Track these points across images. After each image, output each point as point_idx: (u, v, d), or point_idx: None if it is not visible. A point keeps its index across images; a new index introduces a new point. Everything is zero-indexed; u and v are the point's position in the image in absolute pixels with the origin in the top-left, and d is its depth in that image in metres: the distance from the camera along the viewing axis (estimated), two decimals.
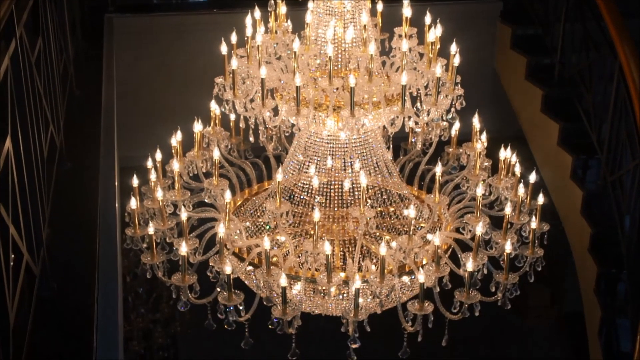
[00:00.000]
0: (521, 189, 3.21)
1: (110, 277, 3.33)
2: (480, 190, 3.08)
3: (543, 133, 6.45)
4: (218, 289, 2.96)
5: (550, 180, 6.33)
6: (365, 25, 2.95)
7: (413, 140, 3.75)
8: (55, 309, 3.09)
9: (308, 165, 3.23)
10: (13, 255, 2.70)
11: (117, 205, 4.08)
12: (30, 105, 3.23)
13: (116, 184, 4.24)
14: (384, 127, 3.23)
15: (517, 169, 3.36)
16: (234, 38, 3.14)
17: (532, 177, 3.29)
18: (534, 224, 3.13)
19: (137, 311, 7.02)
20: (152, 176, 3.29)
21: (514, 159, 3.43)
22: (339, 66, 3.10)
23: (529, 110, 6.73)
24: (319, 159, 3.22)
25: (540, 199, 3.23)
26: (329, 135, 3.18)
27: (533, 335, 8.06)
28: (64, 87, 4.66)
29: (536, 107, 6.54)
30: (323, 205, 3.22)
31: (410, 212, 2.88)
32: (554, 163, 6.25)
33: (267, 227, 3.28)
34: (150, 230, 3.07)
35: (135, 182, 3.27)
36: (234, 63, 3.00)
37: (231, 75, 3.03)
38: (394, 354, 3.09)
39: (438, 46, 3.09)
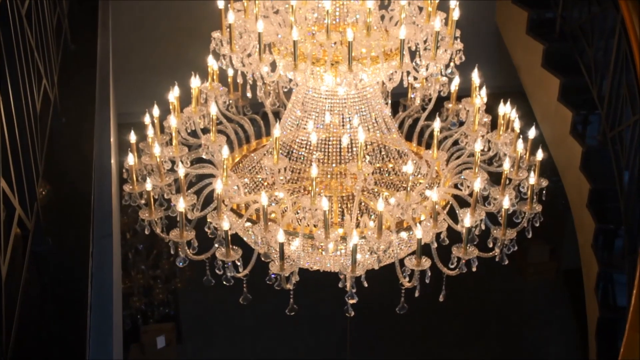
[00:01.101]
0: (520, 145, 3.21)
1: (106, 232, 3.33)
2: (479, 146, 3.07)
3: (543, 88, 6.42)
4: (216, 245, 2.98)
5: (550, 136, 6.32)
6: None
7: (412, 95, 3.73)
8: (50, 264, 3.10)
9: (306, 121, 3.21)
10: (4, 210, 2.69)
11: (113, 161, 4.07)
12: (21, 58, 3.20)
13: (112, 139, 4.22)
14: (383, 82, 3.21)
15: (517, 125, 3.35)
16: None
17: (532, 133, 3.28)
18: (532, 180, 3.13)
19: (137, 268, 7.08)
20: (150, 132, 3.28)
21: (513, 114, 3.42)
22: (337, 20, 3.06)
23: (530, 65, 6.68)
24: (317, 115, 3.20)
25: (539, 155, 3.22)
26: (327, 91, 3.16)
27: (531, 291, 8.14)
28: (58, 41, 4.61)
29: (537, 62, 6.50)
30: (321, 161, 3.22)
31: (408, 168, 2.88)
32: (553, 118, 6.23)
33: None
34: (148, 186, 3.08)
35: (132, 138, 3.26)
36: (231, 17, 2.97)
37: (228, 29, 2.99)
38: (391, 310, 3.12)
39: (437, 0, 3.05)
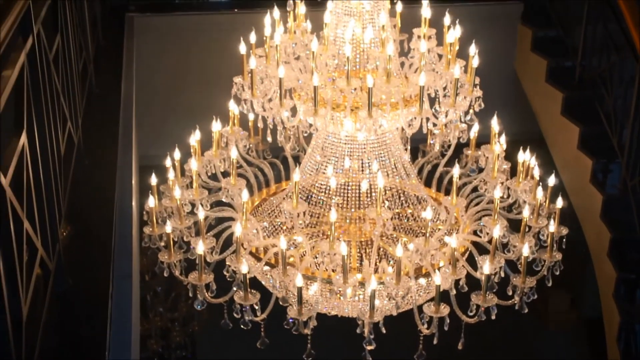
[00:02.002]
0: (540, 192, 3.19)
1: (125, 274, 3.34)
2: (498, 193, 3.06)
3: (563, 136, 6.40)
4: (234, 288, 2.97)
5: (570, 184, 6.28)
6: (383, 26, 2.94)
7: (431, 142, 3.73)
8: (70, 304, 3.11)
9: (326, 166, 3.22)
10: (27, 251, 2.71)
11: (134, 203, 4.10)
12: (47, 101, 3.25)
13: (134, 182, 4.26)
14: (402, 128, 3.22)
15: (536, 172, 3.34)
16: (253, 38, 3.14)
17: (551, 180, 3.27)
18: (552, 228, 3.11)
19: (155, 310, 7.06)
20: (171, 175, 3.31)
21: (533, 161, 3.41)
22: (357, 67, 3.10)
23: (549, 113, 6.68)
24: (336, 160, 3.21)
25: (559, 203, 3.21)
26: (346, 136, 3.18)
27: (551, 340, 8.01)
28: (83, 85, 4.69)
29: (556, 109, 6.50)
30: (340, 206, 3.22)
31: (428, 214, 2.87)
32: (573, 166, 6.20)
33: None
34: (168, 228, 3.09)
35: (153, 180, 3.28)
36: (253, 62, 3.01)
37: (250, 74, 3.03)
38: (409, 357, 3.08)
39: (457, 47, 3.08)
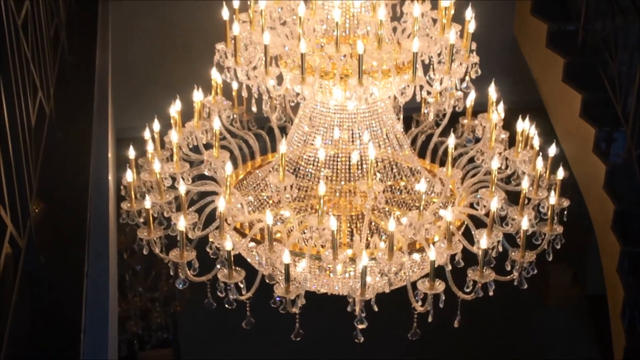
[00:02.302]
0: (540, 163, 3.22)
1: (102, 251, 3.34)
2: (496, 164, 3.08)
3: (564, 104, 6.43)
4: (218, 266, 2.99)
5: (572, 154, 6.32)
6: None
7: (425, 111, 3.75)
8: (42, 284, 3.10)
9: (314, 137, 3.23)
10: None
11: (111, 177, 4.09)
12: (16, 70, 3.23)
13: (110, 155, 4.24)
14: (395, 97, 3.23)
15: (536, 142, 3.36)
16: (236, 3, 3.13)
17: (552, 150, 3.29)
18: (552, 200, 3.14)
19: (134, 290, 7.09)
20: (150, 147, 3.31)
21: (532, 130, 3.43)
22: (347, 32, 3.09)
23: (550, 80, 6.70)
24: (325, 130, 3.22)
25: (560, 173, 3.23)
26: (336, 105, 3.18)
27: (552, 317, 8.09)
28: (55, 53, 4.65)
29: (557, 76, 6.51)
30: (329, 178, 3.24)
31: (421, 186, 2.89)
32: (575, 135, 6.24)
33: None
34: (147, 204, 3.10)
35: (131, 153, 3.29)
36: (236, 28, 3.00)
37: (233, 41, 3.03)
38: (403, 336, 3.12)
39: (452, 11, 3.08)
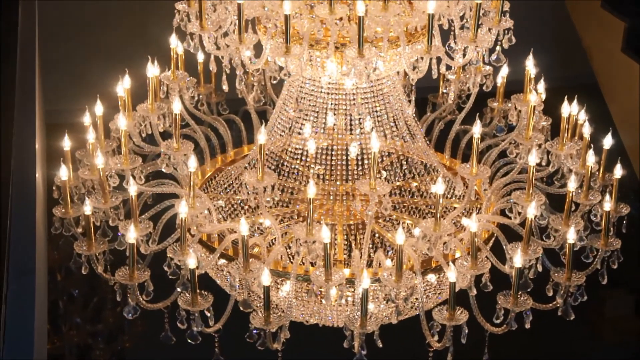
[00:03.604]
0: (591, 157, 3.24)
1: (26, 270, 3.34)
2: (534, 159, 3.10)
3: (624, 81, 6.45)
4: (179, 290, 3.01)
5: (633, 145, 6.35)
6: None
7: (444, 91, 3.77)
8: None
9: (302, 124, 3.25)
10: None
11: (39, 175, 4.09)
12: None
13: (38, 146, 4.25)
14: (405, 73, 3.25)
15: (587, 130, 3.39)
16: None
17: (607, 141, 3.32)
18: (608, 206, 3.16)
19: (70, 320, 7.07)
20: (90, 137, 3.32)
21: (582, 116, 3.46)
22: None
23: (606, 50, 6.72)
24: (316, 116, 3.24)
25: (618, 171, 3.26)
26: (329, 84, 3.20)
27: (608, 357, 8.10)
28: None
29: (616, 44, 6.53)
30: (321, 177, 3.26)
31: (439, 187, 2.92)
32: (638, 122, 6.26)
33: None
34: (87, 209, 3.11)
35: (66, 144, 3.30)
36: None
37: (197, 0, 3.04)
38: None
39: None
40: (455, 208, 3.34)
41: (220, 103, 3.84)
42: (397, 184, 3.40)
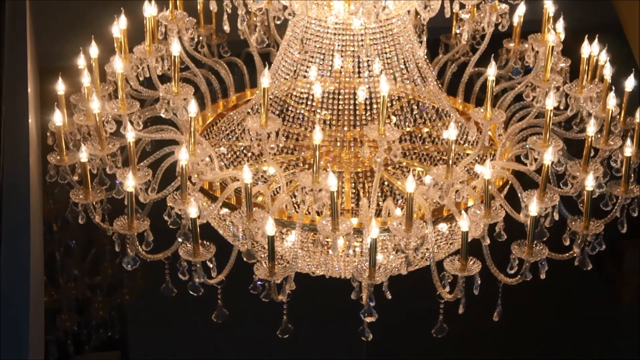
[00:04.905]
0: (612, 100, 3.23)
1: (20, 220, 3.36)
2: (551, 102, 3.10)
3: None
4: (179, 240, 3.02)
5: None
6: None
7: (457, 31, 3.75)
8: None
9: (307, 67, 3.25)
10: None
11: (32, 120, 4.10)
12: None
13: (30, 90, 4.25)
14: (416, 12, 3.23)
15: (608, 72, 3.38)
16: None
17: (630, 83, 3.31)
18: (629, 151, 3.16)
19: (67, 273, 7.12)
20: (85, 80, 3.32)
21: (603, 56, 3.44)
22: None
23: None
24: (322, 58, 3.23)
25: None
26: (336, 24, 3.19)
27: (627, 311, 8.12)
28: None
29: None
30: (328, 123, 3.26)
31: (451, 133, 2.92)
32: None
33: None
34: (83, 156, 3.12)
35: (60, 88, 3.30)
36: None
37: None
38: (426, 331, 3.17)
39: None
40: (468, 154, 3.34)
41: (221, 45, 3.82)
42: (408, 129, 3.40)
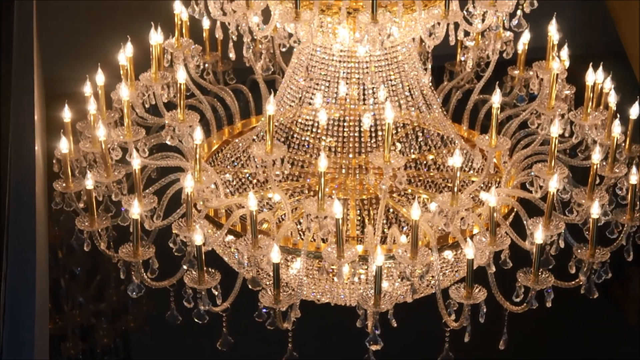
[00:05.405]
0: (617, 128, 3.23)
1: (26, 247, 3.35)
2: (556, 130, 3.10)
3: None
4: (184, 267, 3.02)
5: None
6: None
7: (462, 58, 3.76)
8: None
9: (312, 94, 3.25)
10: None
11: (38, 147, 4.11)
12: None
13: (37, 116, 4.26)
14: (421, 39, 3.24)
15: (613, 99, 3.38)
16: None
17: (635, 111, 3.31)
18: (634, 179, 3.16)
19: (72, 299, 7.11)
20: (92, 107, 3.33)
21: (608, 84, 3.45)
22: None
23: (634, 14, 6.68)
24: (327, 85, 3.24)
25: None
26: (341, 51, 3.20)
27: (634, 338, 8.09)
28: None
29: None
30: (333, 150, 3.26)
31: (456, 160, 2.92)
32: None
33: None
34: (89, 183, 3.12)
35: (67, 115, 3.31)
36: None
37: None
38: (431, 359, 3.16)
39: None
40: (473, 182, 3.34)
41: (227, 72, 3.84)
42: (413, 156, 3.40)
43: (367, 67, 3.22)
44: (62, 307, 7.10)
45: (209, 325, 3.05)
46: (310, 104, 3.26)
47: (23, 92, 4.27)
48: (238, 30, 3.09)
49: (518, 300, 3.03)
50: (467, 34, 3.06)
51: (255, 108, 3.78)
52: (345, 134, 3.26)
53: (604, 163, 3.26)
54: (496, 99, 3.18)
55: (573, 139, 3.44)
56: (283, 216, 3.24)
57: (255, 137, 3.46)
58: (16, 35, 4.66)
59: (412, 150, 3.37)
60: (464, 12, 3.00)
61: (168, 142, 3.32)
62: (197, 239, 2.89)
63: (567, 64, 3.52)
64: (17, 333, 3.07)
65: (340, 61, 3.22)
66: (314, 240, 3.03)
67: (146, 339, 7.67)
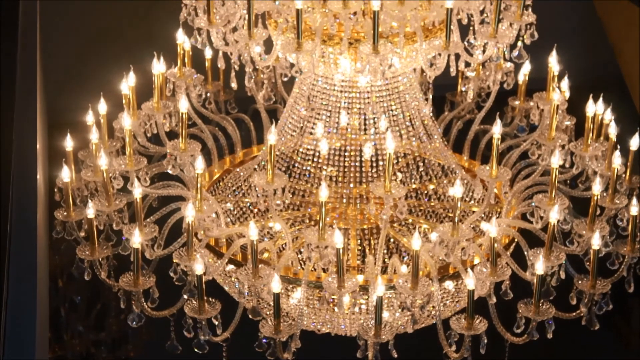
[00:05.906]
0: (617, 159, 3.24)
1: (26, 275, 3.35)
2: (557, 160, 3.10)
3: None
4: (185, 296, 3.01)
5: None
6: None
7: (463, 89, 3.77)
8: None
9: (314, 124, 3.26)
10: None
11: (40, 176, 4.11)
12: None
13: (39, 145, 4.26)
14: (422, 70, 3.25)
15: (613, 130, 3.38)
16: None
17: (635, 142, 3.31)
18: (635, 210, 3.15)
19: (72, 329, 7.08)
20: (94, 136, 3.34)
21: (608, 115, 3.45)
22: None
23: (634, 46, 6.70)
24: (328, 115, 3.25)
25: None
26: (343, 81, 3.21)
27: None
28: None
29: None
30: (334, 180, 3.26)
31: (457, 190, 2.92)
32: None
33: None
34: (90, 212, 3.12)
35: (68, 144, 3.31)
36: None
37: None
38: None
39: None
40: (474, 212, 3.33)
41: (228, 101, 3.85)
42: (413, 186, 3.40)
43: (368, 97, 3.22)
44: (62, 335, 7.08)
45: (209, 355, 3.04)
46: (311, 133, 3.26)
47: (25, 120, 4.28)
48: (240, 60, 3.10)
49: (519, 331, 3.02)
50: (468, 64, 3.07)
51: (257, 137, 3.78)
52: (347, 164, 3.26)
53: (605, 194, 3.26)
54: (497, 129, 3.18)
55: (574, 169, 3.44)
56: (284, 245, 3.24)
57: (256, 167, 3.46)
58: (19, 64, 4.67)
59: (413, 180, 3.37)
60: (465, 43, 3.02)
61: (169, 171, 3.32)
62: (198, 268, 2.88)
63: (567, 94, 3.53)
64: None
65: (341, 91, 3.23)
66: (315, 269, 3.03)
67: None
